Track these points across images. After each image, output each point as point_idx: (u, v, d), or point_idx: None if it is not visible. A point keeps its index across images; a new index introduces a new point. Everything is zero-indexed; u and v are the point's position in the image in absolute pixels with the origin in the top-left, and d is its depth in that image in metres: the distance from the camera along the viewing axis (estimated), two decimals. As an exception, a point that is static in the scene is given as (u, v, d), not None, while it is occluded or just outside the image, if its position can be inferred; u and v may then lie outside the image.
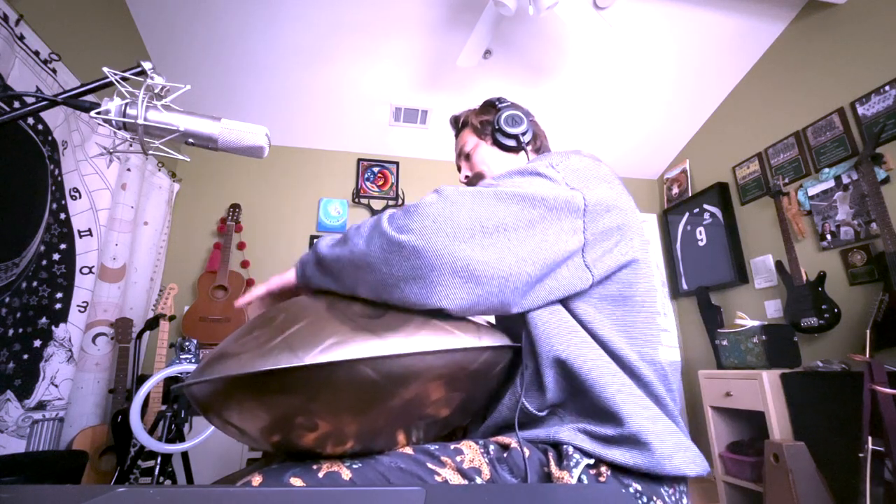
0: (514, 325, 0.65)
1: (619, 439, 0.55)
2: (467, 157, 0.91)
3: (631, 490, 0.54)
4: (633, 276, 0.62)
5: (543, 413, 0.60)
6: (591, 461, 0.55)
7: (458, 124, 0.96)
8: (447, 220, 0.52)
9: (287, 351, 0.47)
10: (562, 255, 0.57)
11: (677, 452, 0.54)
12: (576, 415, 0.59)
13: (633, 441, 0.54)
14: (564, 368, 0.58)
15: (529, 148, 0.87)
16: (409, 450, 0.55)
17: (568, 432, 0.57)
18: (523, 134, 0.86)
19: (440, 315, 0.55)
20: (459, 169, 0.95)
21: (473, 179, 0.90)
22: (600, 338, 0.60)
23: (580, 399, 0.59)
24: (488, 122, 0.90)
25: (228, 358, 0.49)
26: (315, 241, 0.76)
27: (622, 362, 0.59)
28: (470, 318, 0.59)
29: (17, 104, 0.59)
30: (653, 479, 0.55)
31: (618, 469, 0.55)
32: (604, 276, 0.61)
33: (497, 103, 0.90)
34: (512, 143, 0.86)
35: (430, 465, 0.53)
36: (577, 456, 0.54)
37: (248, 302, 0.69)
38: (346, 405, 0.48)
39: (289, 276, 0.69)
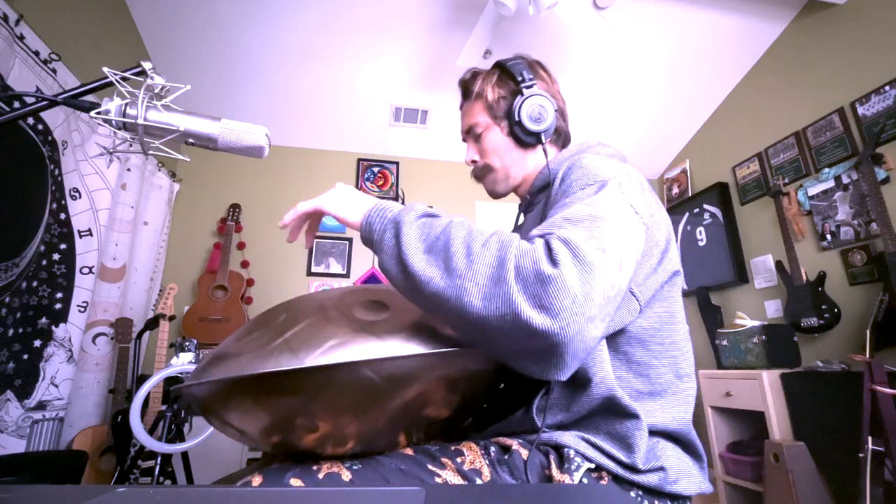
0: None
1: (627, 465, 0.55)
2: (476, 136, 0.79)
3: (632, 494, 0.54)
4: (675, 288, 0.61)
5: (553, 429, 0.60)
6: (593, 465, 0.54)
7: (468, 92, 0.80)
8: (587, 300, 0.42)
9: (287, 352, 0.47)
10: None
11: (683, 478, 0.55)
12: (583, 429, 0.58)
13: (640, 470, 0.54)
14: (592, 398, 0.57)
15: (549, 141, 0.76)
16: (409, 451, 0.55)
17: (571, 438, 0.56)
18: (546, 130, 0.74)
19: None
20: (465, 141, 0.83)
21: (481, 172, 0.81)
22: (637, 363, 0.59)
23: (595, 421, 0.58)
24: (505, 100, 0.76)
25: (229, 359, 0.49)
26: (405, 210, 0.55)
27: (658, 384, 0.58)
28: None
29: (17, 104, 0.59)
30: (656, 492, 0.55)
31: (619, 478, 0.55)
32: (652, 295, 0.59)
33: (519, 77, 0.74)
34: (531, 140, 0.75)
35: (430, 467, 0.52)
36: (578, 459, 0.54)
37: (291, 221, 0.61)
38: (347, 407, 0.48)
39: (350, 219, 0.57)
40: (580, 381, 0.57)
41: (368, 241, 0.56)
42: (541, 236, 0.48)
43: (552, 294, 0.42)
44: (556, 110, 0.74)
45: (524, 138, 0.75)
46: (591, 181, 0.58)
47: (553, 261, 0.43)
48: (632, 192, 0.57)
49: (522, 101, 0.73)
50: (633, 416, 0.55)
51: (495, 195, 0.83)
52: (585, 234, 0.47)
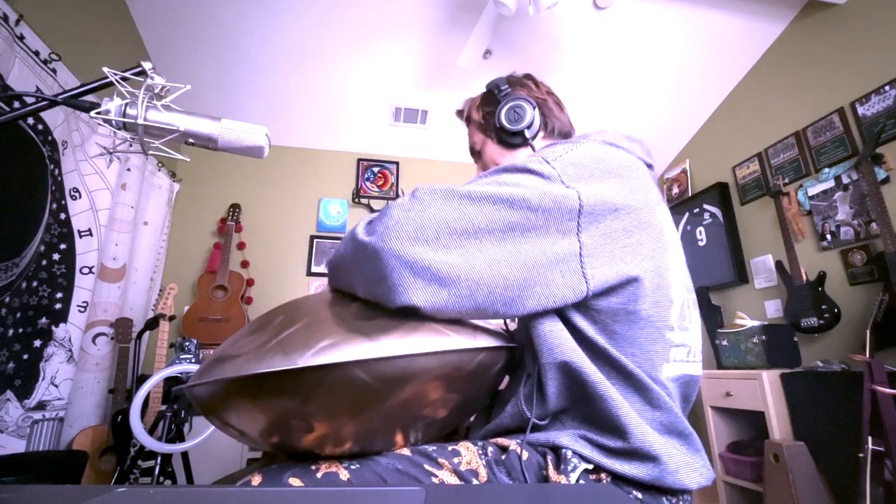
0: (522, 331, 0.63)
1: (621, 451, 0.54)
2: (478, 154, 0.87)
3: (631, 497, 0.53)
4: (640, 290, 0.56)
5: (545, 422, 0.59)
6: (590, 466, 0.54)
7: (463, 118, 0.90)
8: (410, 222, 0.51)
9: (281, 354, 0.47)
10: (548, 258, 0.52)
11: (683, 466, 0.53)
12: (578, 422, 0.58)
13: (636, 454, 0.53)
14: (567, 378, 0.57)
15: (540, 136, 0.80)
16: (406, 451, 0.55)
17: (568, 438, 0.56)
18: (528, 126, 0.78)
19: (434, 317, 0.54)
20: (475, 162, 0.91)
21: None
22: (601, 350, 0.57)
23: (583, 408, 0.57)
24: (491, 115, 0.83)
25: (226, 360, 0.49)
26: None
27: (627, 374, 0.56)
28: (471, 320, 0.58)
29: (17, 104, 0.59)
30: (655, 489, 0.54)
31: (618, 477, 0.54)
32: (603, 288, 0.54)
33: (496, 91, 0.83)
34: (517, 140, 0.80)
35: (427, 467, 0.52)
36: (575, 460, 0.54)
37: None
38: (341, 407, 0.48)
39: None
40: (554, 365, 0.56)
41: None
42: None
43: (380, 220, 0.53)
44: (534, 108, 0.79)
45: (510, 140, 0.80)
46: (519, 166, 0.58)
47: (391, 202, 0.55)
48: (565, 163, 0.57)
49: (500, 109, 0.80)
50: (606, 398, 0.54)
51: None
52: (440, 186, 0.55)
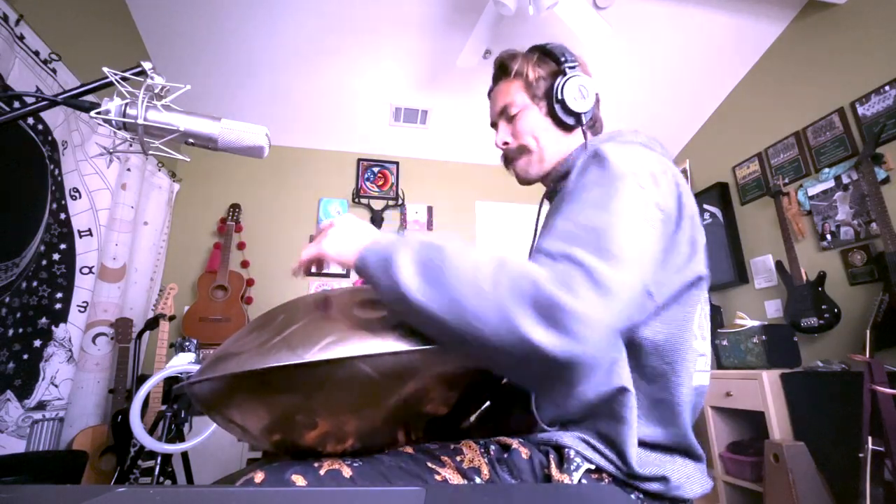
0: None
1: (620, 467, 0.54)
2: (510, 118, 0.75)
3: (633, 497, 0.54)
4: (697, 297, 0.57)
5: (554, 428, 0.59)
6: (593, 466, 0.54)
7: (507, 70, 0.75)
8: (607, 324, 0.43)
9: (286, 349, 0.47)
10: None
11: (685, 480, 0.54)
12: (584, 429, 0.58)
13: (637, 477, 0.54)
14: (586, 393, 0.56)
15: (585, 125, 0.73)
16: (409, 449, 0.55)
17: (571, 438, 0.56)
18: (586, 112, 0.71)
19: None
20: (494, 126, 0.78)
21: (515, 153, 0.76)
22: (649, 371, 0.56)
23: (596, 423, 0.57)
24: (544, 80, 0.72)
25: (229, 357, 0.49)
26: (400, 239, 0.53)
27: (658, 397, 0.56)
28: None
29: (17, 104, 0.59)
30: (657, 496, 0.55)
31: (619, 479, 0.55)
32: (669, 300, 0.55)
33: (561, 58, 0.72)
34: (571, 120, 0.71)
35: (430, 465, 0.52)
36: (578, 460, 0.54)
37: (300, 267, 0.61)
38: (346, 403, 0.48)
39: (346, 258, 0.55)
40: (579, 378, 0.56)
41: (364, 273, 0.53)
42: (551, 256, 0.48)
43: (570, 323, 0.41)
44: (596, 92, 0.72)
45: (564, 118, 0.71)
46: (606, 178, 0.54)
47: (569, 287, 0.43)
48: (654, 186, 0.54)
49: (566, 80, 0.70)
50: (626, 421, 0.54)
51: (527, 180, 0.77)
52: (599, 248, 0.46)
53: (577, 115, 0.71)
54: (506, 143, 0.76)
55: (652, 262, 0.50)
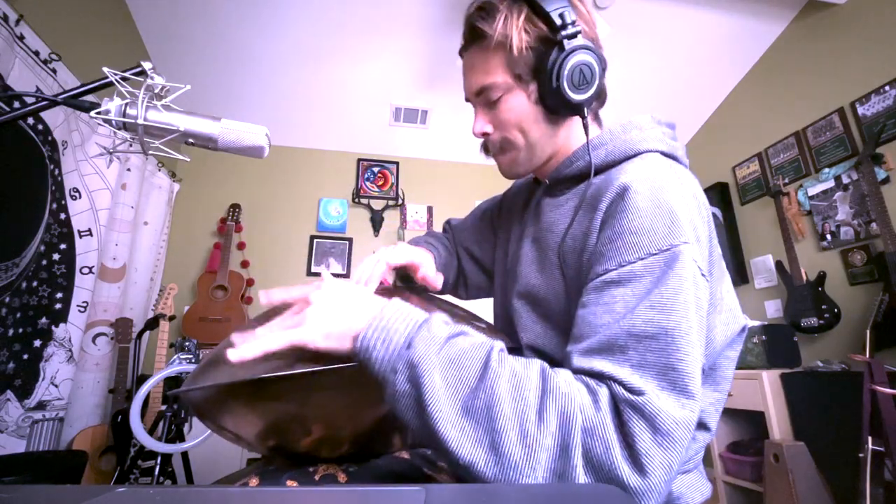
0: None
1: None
2: (490, 103, 0.58)
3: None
4: (739, 348, 0.56)
5: None
6: None
7: (482, 33, 0.55)
8: (669, 472, 0.38)
9: (276, 358, 0.46)
10: None
11: (687, 489, 0.54)
12: None
13: None
14: None
15: (588, 113, 0.56)
16: (405, 454, 0.55)
17: None
18: (592, 98, 0.54)
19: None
20: (471, 102, 0.61)
21: (497, 148, 0.61)
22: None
23: None
24: (533, 51, 0.53)
25: (221, 364, 0.49)
26: (419, 337, 0.41)
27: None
28: (467, 320, 0.58)
29: (17, 104, 0.59)
30: None
31: None
32: (716, 358, 0.54)
33: (559, 21, 0.51)
34: (569, 112, 0.56)
35: (425, 470, 0.52)
36: None
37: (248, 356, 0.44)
38: (338, 410, 0.48)
39: (340, 348, 0.44)
40: None
41: (368, 369, 0.43)
42: (603, 383, 0.40)
43: (626, 483, 0.36)
44: (602, 70, 0.54)
45: (560, 109, 0.55)
46: (654, 248, 0.44)
47: (628, 442, 0.37)
48: (696, 244, 0.45)
49: (563, 59, 0.51)
50: None
51: (514, 176, 0.65)
52: (667, 382, 0.39)
53: (577, 106, 0.53)
54: (485, 134, 0.60)
55: (703, 339, 0.44)
